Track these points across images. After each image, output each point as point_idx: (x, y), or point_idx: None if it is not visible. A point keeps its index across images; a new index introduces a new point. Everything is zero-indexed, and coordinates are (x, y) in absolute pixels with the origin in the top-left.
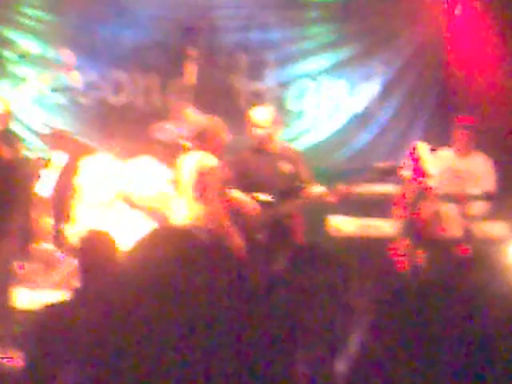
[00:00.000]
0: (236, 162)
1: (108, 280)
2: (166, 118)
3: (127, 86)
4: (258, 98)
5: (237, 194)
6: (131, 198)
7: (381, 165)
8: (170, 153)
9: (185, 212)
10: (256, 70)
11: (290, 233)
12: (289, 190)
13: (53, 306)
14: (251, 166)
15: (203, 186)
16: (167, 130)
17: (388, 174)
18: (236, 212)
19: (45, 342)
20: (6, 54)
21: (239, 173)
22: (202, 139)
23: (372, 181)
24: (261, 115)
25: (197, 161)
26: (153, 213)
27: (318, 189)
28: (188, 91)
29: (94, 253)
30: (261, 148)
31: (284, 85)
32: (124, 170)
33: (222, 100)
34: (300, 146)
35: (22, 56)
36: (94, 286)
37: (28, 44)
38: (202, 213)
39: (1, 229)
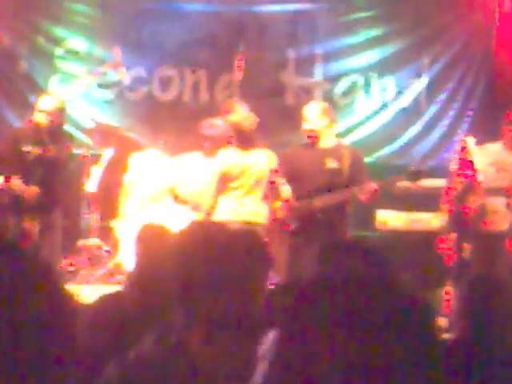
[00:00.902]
0: (285, 157)
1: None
2: (214, 114)
3: (175, 81)
4: (306, 93)
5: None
6: (178, 193)
7: (413, 168)
8: (218, 148)
9: (239, 209)
10: (304, 65)
11: (324, 227)
12: (332, 186)
13: (109, 297)
14: (299, 161)
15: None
16: (215, 126)
17: (420, 177)
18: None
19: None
20: (56, 51)
21: (287, 167)
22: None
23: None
24: (312, 110)
25: (260, 158)
26: (198, 208)
27: (357, 187)
28: (236, 87)
29: (151, 245)
30: (311, 143)
31: (332, 80)
32: (172, 166)
33: (270, 95)
34: (348, 140)
35: (71, 53)
36: (151, 279)
37: (77, 41)
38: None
39: (50, 225)
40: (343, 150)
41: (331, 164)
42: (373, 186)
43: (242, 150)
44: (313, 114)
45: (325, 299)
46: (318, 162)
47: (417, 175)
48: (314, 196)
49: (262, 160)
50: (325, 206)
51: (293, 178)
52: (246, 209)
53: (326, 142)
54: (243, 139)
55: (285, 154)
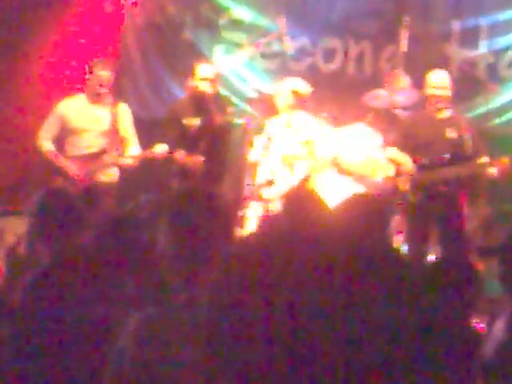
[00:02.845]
0: (407, 123)
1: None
2: (378, 86)
3: (339, 52)
4: (470, 66)
5: (396, 153)
6: (341, 164)
7: None
8: (382, 120)
9: None
10: (468, 38)
11: (445, 200)
12: (452, 157)
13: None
14: (420, 128)
15: None
16: (380, 98)
17: None
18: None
19: None
20: (221, 21)
21: (408, 134)
22: None
23: None
24: (443, 77)
25: None
26: (361, 179)
27: (483, 159)
28: (400, 59)
29: (300, 208)
30: (434, 111)
31: (497, 52)
32: (336, 136)
33: (433, 68)
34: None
35: (236, 23)
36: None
37: (242, 11)
38: None
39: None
40: (461, 121)
41: (451, 134)
42: (505, 160)
43: None
44: (445, 81)
45: None
46: (439, 132)
47: None
48: (436, 167)
49: None
50: (449, 178)
51: (411, 146)
52: None
53: (446, 111)
54: None
55: (403, 122)
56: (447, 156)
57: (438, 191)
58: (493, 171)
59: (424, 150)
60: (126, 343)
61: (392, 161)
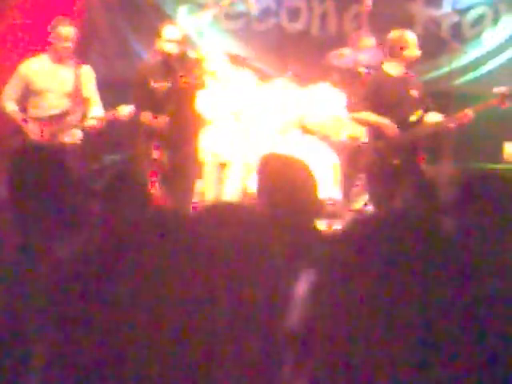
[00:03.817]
0: (372, 82)
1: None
2: (342, 46)
3: (303, 12)
4: (434, 25)
5: (371, 115)
6: (305, 124)
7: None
8: (346, 79)
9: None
10: None
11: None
12: (416, 115)
13: None
14: (384, 88)
15: None
16: (344, 57)
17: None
18: (377, 134)
19: None
20: None
21: (374, 92)
22: None
23: None
24: (414, 38)
25: None
26: (325, 139)
27: (435, 116)
28: (365, 18)
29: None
30: (402, 70)
31: (461, 12)
32: (300, 96)
33: (398, 27)
34: (475, 73)
35: None
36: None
37: None
38: None
39: (184, 157)
40: (417, 80)
41: (414, 93)
42: (469, 112)
43: None
44: (415, 41)
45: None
46: (403, 91)
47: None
48: (407, 128)
49: None
50: (427, 133)
51: (376, 105)
52: None
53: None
54: None
55: (371, 80)
56: (412, 114)
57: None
58: (450, 125)
59: (390, 109)
60: None
61: (370, 123)
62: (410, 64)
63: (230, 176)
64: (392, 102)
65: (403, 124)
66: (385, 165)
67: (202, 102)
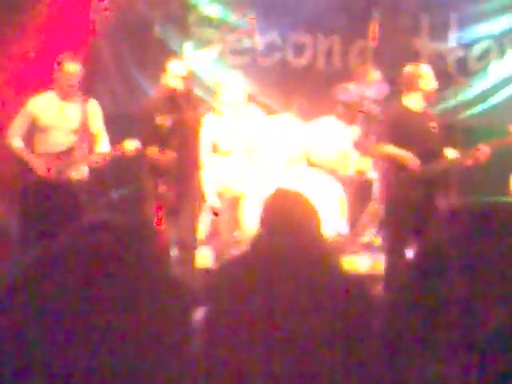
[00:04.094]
0: (393, 116)
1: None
2: (348, 80)
3: (309, 47)
4: (439, 60)
5: (393, 148)
6: (311, 158)
7: None
8: (352, 113)
9: None
10: (438, 31)
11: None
12: (437, 149)
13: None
14: (404, 121)
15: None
16: (349, 91)
17: None
18: (400, 167)
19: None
20: (190, 17)
21: (395, 127)
22: None
23: None
24: (430, 71)
25: None
26: (332, 173)
27: (450, 152)
28: (370, 53)
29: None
30: (426, 104)
31: (466, 46)
32: (305, 130)
33: (403, 61)
34: (482, 106)
35: (205, 19)
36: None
37: (211, 7)
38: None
39: (189, 191)
40: (434, 115)
41: (434, 127)
42: (485, 148)
43: None
44: (431, 73)
45: None
46: (425, 125)
47: None
48: (428, 162)
49: None
50: (436, 172)
51: (402, 143)
52: None
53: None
54: None
55: (392, 115)
56: (435, 150)
57: (419, 187)
58: (467, 161)
59: (413, 143)
60: None
61: (390, 157)
62: (428, 96)
63: (246, 207)
64: (414, 135)
65: (425, 157)
66: (406, 196)
67: (219, 133)
